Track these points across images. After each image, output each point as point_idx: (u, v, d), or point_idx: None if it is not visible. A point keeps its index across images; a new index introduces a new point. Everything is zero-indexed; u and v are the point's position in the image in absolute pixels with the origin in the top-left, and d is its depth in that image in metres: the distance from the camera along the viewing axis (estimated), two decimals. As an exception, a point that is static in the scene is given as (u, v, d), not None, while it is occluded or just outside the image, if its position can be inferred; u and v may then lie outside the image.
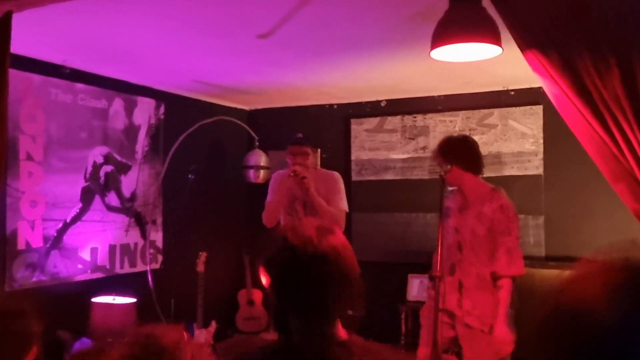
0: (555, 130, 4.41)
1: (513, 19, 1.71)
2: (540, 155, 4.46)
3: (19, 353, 1.36)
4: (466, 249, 3.01)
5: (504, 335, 2.89)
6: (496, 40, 1.82)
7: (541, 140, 4.46)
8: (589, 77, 1.58)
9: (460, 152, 3.04)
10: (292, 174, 3.56)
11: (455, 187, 3.15)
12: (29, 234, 3.61)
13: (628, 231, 4.13)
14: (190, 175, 4.34)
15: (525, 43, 1.70)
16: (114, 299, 3.75)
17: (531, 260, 4.31)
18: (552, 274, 4.09)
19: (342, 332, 1.30)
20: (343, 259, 1.28)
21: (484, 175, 4.61)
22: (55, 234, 3.77)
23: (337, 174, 3.84)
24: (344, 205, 3.72)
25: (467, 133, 4.66)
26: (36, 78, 3.61)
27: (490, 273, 2.95)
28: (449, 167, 2.91)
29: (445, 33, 1.81)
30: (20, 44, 3.22)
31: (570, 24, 1.63)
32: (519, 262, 2.97)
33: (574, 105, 1.64)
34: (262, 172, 4.84)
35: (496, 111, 4.60)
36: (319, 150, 5.20)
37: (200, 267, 4.24)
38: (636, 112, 1.51)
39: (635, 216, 1.63)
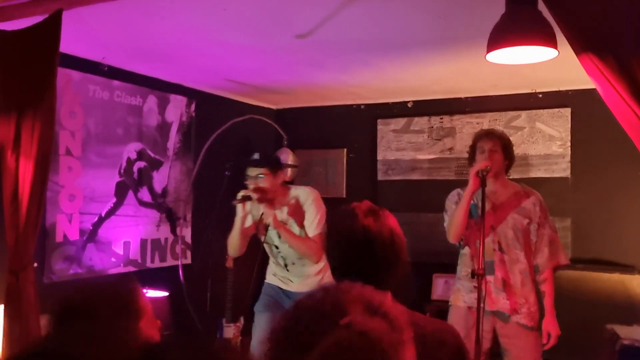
0: (582, 134, 4.44)
1: (568, 22, 1.74)
2: (568, 158, 4.48)
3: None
4: (508, 246, 3.01)
5: (555, 327, 2.99)
6: (552, 43, 1.86)
7: (569, 143, 4.48)
8: (646, 81, 1.61)
9: (512, 148, 3.10)
10: (237, 201, 3.21)
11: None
12: (67, 227, 3.68)
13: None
14: (226, 172, 4.40)
15: (580, 46, 1.74)
16: (146, 292, 3.81)
17: (558, 262, 4.35)
18: (578, 276, 4.11)
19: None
20: (399, 236, 1.41)
21: (511, 177, 4.67)
22: (91, 228, 3.84)
23: (307, 190, 3.34)
24: (316, 228, 3.23)
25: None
26: (75, 74, 3.69)
27: (534, 266, 3.01)
28: (489, 166, 2.88)
29: (503, 36, 1.85)
30: (61, 40, 3.30)
31: (625, 27, 1.67)
32: (562, 252, 3.08)
33: (630, 108, 1.68)
34: (289, 170, 4.89)
35: (524, 113, 4.62)
36: (345, 150, 5.25)
37: (230, 263, 4.30)
38: (694, 116, 1.55)
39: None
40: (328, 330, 0.81)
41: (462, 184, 3.19)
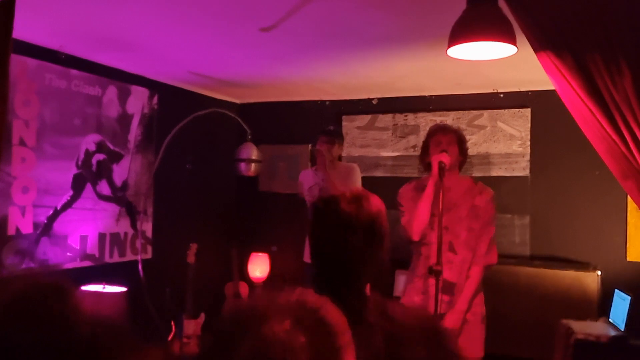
0: (542, 133, 4.53)
1: (528, 20, 1.76)
2: (527, 157, 4.56)
3: None
4: (461, 247, 2.89)
5: (453, 322, 2.85)
6: (511, 39, 1.88)
7: (528, 143, 4.56)
8: (600, 79, 1.64)
9: (466, 145, 3.04)
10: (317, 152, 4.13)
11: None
12: (20, 220, 3.56)
13: (609, 233, 4.27)
14: (187, 165, 4.33)
15: (539, 44, 1.76)
16: (103, 288, 3.73)
17: (516, 259, 4.43)
18: (536, 272, 4.20)
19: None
20: (384, 221, 1.35)
21: (473, 175, 4.72)
22: (46, 221, 3.73)
23: (355, 165, 4.33)
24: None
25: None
26: (31, 62, 3.57)
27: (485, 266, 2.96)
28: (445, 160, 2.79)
29: (463, 31, 1.86)
30: (16, 27, 3.18)
31: (583, 26, 1.69)
32: (495, 251, 2.97)
33: (586, 105, 1.71)
34: (253, 165, 4.84)
35: (486, 113, 4.69)
36: (310, 145, 5.24)
37: (191, 259, 4.25)
38: (646, 114, 1.58)
39: (642, 213, 1.70)
40: (243, 337, 0.81)
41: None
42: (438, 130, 3.01)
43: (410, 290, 3.02)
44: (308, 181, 4.38)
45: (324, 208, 1.36)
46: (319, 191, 4.14)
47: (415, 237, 2.96)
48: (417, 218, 2.92)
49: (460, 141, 2.98)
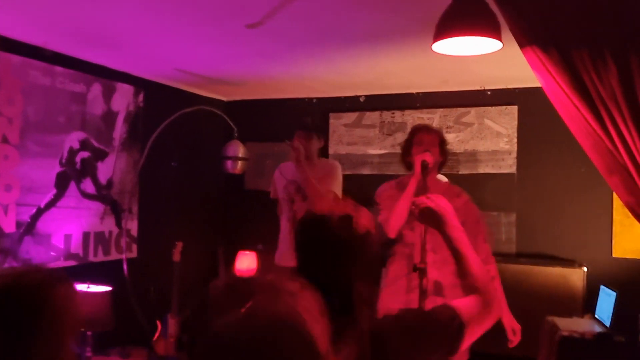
0: (528, 131, 4.55)
1: (514, 15, 1.76)
2: (514, 155, 4.58)
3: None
4: (442, 247, 2.87)
5: (515, 323, 2.99)
6: (497, 34, 1.87)
7: (515, 140, 4.58)
8: (586, 74, 1.64)
9: (447, 146, 3.04)
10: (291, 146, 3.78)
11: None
12: (2, 218, 3.51)
13: (595, 230, 4.30)
14: (173, 163, 4.30)
15: (525, 40, 1.75)
16: (88, 287, 3.69)
17: (503, 257, 4.44)
18: (522, 269, 4.21)
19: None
20: (374, 241, 1.33)
21: (460, 173, 4.73)
22: (29, 220, 3.68)
23: (336, 163, 4.02)
24: (336, 188, 3.79)
25: (444, 130, 4.75)
26: (15, 59, 3.52)
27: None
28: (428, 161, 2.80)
29: (448, 26, 1.85)
30: (0, 23, 3.15)
31: (570, 23, 1.69)
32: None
33: (571, 101, 1.70)
34: (239, 163, 4.82)
35: (473, 110, 4.70)
36: (286, 140, 5.20)
37: (177, 257, 4.21)
38: (631, 109, 1.58)
39: (628, 208, 1.71)
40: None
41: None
42: (421, 130, 3.01)
43: (391, 291, 2.99)
44: (286, 177, 4.02)
45: (313, 233, 1.33)
46: (294, 190, 3.87)
47: (392, 235, 2.95)
48: (395, 215, 2.90)
49: (442, 142, 2.99)
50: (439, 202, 1.54)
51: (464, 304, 1.42)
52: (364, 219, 1.34)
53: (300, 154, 3.69)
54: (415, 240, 2.81)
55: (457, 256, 1.53)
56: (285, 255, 3.85)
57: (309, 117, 4.13)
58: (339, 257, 1.29)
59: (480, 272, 1.50)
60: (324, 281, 1.28)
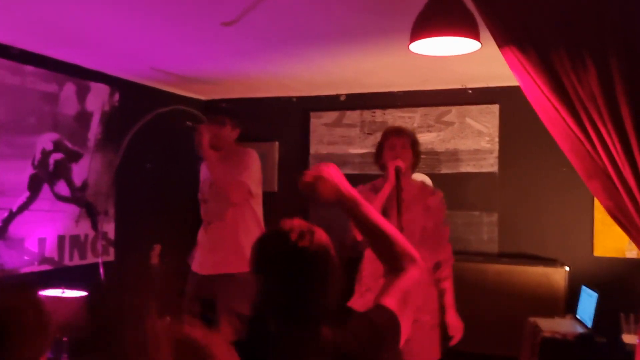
0: (510, 130, 4.52)
1: (491, 14, 1.71)
2: (496, 154, 4.55)
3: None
4: (415, 247, 2.95)
5: (458, 322, 3.01)
6: (474, 34, 1.82)
7: (497, 139, 4.55)
8: (565, 75, 1.60)
9: (419, 147, 3.08)
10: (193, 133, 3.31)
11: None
12: (-28, 223, 3.41)
13: (576, 229, 4.29)
14: (147, 164, 4.20)
15: (502, 39, 1.71)
16: (63, 292, 3.59)
17: (485, 256, 4.43)
18: (504, 269, 4.19)
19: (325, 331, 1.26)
20: (332, 255, 1.27)
21: (442, 172, 4.70)
22: (1, 224, 3.57)
23: (251, 151, 3.45)
24: (249, 181, 3.33)
25: (425, 129, 4.72)
26: (-18, 58, 3.41)
27: (436, 263, 3.02)
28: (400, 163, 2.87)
29: (425, 26, 1.80)
30: (-35, 21, 3.04)
31: (548, 23, 1.65)
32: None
33: (550, 102, 1.66)
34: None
35: (454, 109, 4.66)
36: (277, 143, 5.15)
37: (154, 260, 4.13)
38: (611, 111, 1.55)
39: (608, 212, 1.67)
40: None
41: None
42: (392, 133, 3.05)
43: (372, 293, 2.99)
44: (203, 175, 3.62)
45: (274, 248, 1.25)
46: (209, 188, 3.47)
47: (359, 237, 2.89)
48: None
49: (413, 144, 3.04)
50: (330, 170, 1.40)
51: (405, 288, 1.35)
52: (321, 235, 1.28)
53: (203, 139, 3.24)
54: None
55: (380, 234, 1.41)
56: (204, 263, 3.54)
57: (225, 104, 3.80)
58: (303, 272, 1.23)
59: (404, 239, 1.43)
60: (287, 296, 1.23)
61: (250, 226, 3.41)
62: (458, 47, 1.95)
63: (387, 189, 2.88)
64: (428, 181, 4.26)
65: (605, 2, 1.58)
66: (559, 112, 1.65)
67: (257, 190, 3.45)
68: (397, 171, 2.83)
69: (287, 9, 2.83)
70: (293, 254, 1.23)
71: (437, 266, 3.05)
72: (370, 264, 3.02)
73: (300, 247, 1.22)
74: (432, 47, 1.96)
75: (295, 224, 1.27)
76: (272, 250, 1.27)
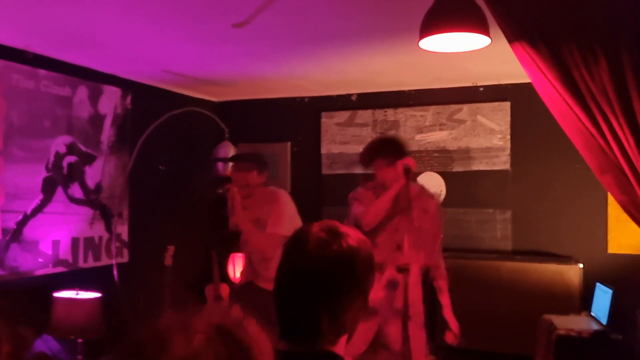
0: (522, 127, 4.49)
1: (502, 10, 1.71)
2: (508, 151, 4.53)
3: None
4: (409, 247, 2.96)
5: (457, 326, 3.03)
6: (485, 30, 1.82)
7: (508, 136, 4.53)
8: (577, 70, 1.59)
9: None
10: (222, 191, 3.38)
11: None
12: (-12, 226, 3.45)
13: (590, 226, 4.25)
14: (160, 167, 4.23)
15: (513, 35, 1.70)
16: (77, 294, 3.62)
17: (498, 254, 4.40)
18: (518, 267, 4.17)
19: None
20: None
21: (454, 170, 4.69)
22: (15, 227, 3.61)
23: (282, 192, 3.49)
24: (282, 229, 3.23)
25: (437, 128, 4.71)
26: (-4, 63, 3.45)
27: (430, 267, 3.05)
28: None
29: (434, 22, 1.79)
30: (-20, 26, 3.08)
31: (558, 17, 1.64)
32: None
33: (562, 97, 1.65)
34: (231, 164, 4.76)
35: (465, 107, 4.64)
36: (289, 143, 5.16)
37: (168, 261, 4.14)
38: (623, 105, 1.53)
39: (621, 207, 1.66)
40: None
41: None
42: (378, 155, 3.07)
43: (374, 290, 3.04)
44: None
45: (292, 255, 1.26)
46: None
47: (366, 228, 2.97)
48: (375, 210, 2.97)
49: (399, 157, 3.01)
50: None
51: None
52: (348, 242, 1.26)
53: (236, 203, 3.30)
54: (381, 242, 2.92)
55: None
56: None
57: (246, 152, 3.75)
58: (314, 281, 1.22)
59: None
60: (294, 305, 1.22)
61: None
62: (468, 44, 1.94)
63: (397, 187, 2.90)
64: (436, 181, 4.29)
65: (616, -4, 1.56)
66: (570, 107, 1.64)
67: (295, 225, 3.51)
68: (407, 170, 2.85)
69: (298, 9, 2.83)
70: (302, 262, 1.25)
71: (433, 269, 3.09)
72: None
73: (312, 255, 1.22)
74: (442, 44, 1.96)
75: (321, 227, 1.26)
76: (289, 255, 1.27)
